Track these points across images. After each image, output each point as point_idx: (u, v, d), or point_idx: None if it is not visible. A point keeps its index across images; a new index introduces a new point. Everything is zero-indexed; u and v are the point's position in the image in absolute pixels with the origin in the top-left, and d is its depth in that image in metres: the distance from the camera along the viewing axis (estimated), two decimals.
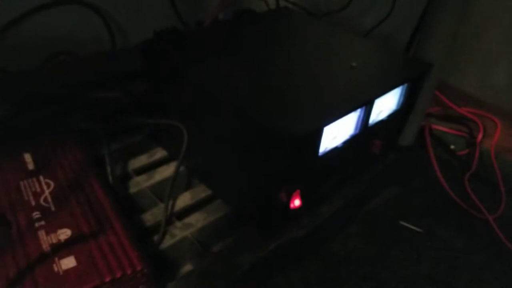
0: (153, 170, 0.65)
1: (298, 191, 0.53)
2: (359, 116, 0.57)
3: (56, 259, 0.40)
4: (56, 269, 0.39)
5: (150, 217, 0.57)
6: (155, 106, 0.68)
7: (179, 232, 0.56)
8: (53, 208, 0.46)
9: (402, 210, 0.72)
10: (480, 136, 0.87)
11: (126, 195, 0.59)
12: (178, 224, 0.57)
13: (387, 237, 0.67)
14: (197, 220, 0.58)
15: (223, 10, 0.71)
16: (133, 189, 0.61)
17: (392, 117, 0.64)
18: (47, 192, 0.48)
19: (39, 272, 0.39)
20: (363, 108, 0.56)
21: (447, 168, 0.79)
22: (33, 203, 0.46)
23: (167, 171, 0.65)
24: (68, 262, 0.40)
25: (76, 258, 0.41)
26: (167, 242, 0.54)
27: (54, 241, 0.42)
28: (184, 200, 0.61)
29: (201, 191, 0.62)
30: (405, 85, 0.62)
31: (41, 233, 0.42)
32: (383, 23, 0.89)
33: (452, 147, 0.88)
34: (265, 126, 0.48)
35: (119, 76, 0.80)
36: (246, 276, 0.54)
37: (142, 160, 0.67)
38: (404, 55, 0.67)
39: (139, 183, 0.62)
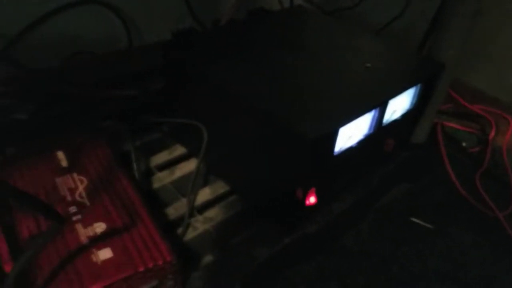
0: (173, 166, 0.68)
1: (313, 189, 0.56)
2: (373, 116, 0.59)
3: (94, 250, 0.44)
4: (94, 259, 0.43)
5: (173, 211, 0.61)
6: (173, 104, 0.71)
7: (200, 225, 0.59)
8: (87, 203, 0.49)
9: (413, 206, 0.74)
10: (492, 134, 0.89)
11: (150, 190, 0.63)
12: (199, 218, 0.60)
13: (398, 233, 0.70)
14: (216, 214, 0.61)
15: (237, 9, 0.73)
16: (156, 185, 0.65)
17: (405, 116, 0.66)
18: (81, 188, 0.51)
19: (79, 262, 0.42)
20: (377, 108, 0.58)
21: (458, 165, 0.81)
22: (69, 198, 0.50)
23: (187, 167, 0.69)
24: (105, 253, 0.44)
25: (112, 249, 0.44)
26: (190, 234, 0.58)
27: (91, 234, 0.45)
28: (204, 195, 0.64)
29: (220, 187, 0.66)
30: (419, 85, 0.64)
31: (79, 227, 0.46)
32: (397, 19, 0.91)
33: (464, 144, 0.89)
34: (284, 127, 0.51)
35: (136, 74, 0.83)
36: (263, 268, 0.58)
37: (163, 156, 0.70)
38: (417, 55, 0.69)
39: (162, 179, 0.66)
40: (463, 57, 0.69)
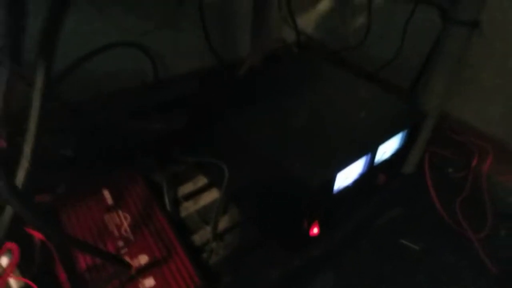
0: (197, 196, 0.80)
1: (316, 221, 0.67)
2: (366, 160, 0.70)
3: (141, 279, 0.55)
4: (141, 287, 0.55)
5: (198, 238, 0.72)
6: (199, 139, 0.83)
7: (222, 250, 0.71)
8: (132, 238, 0.61)
9: (403, 229, 0.86)
10: (474, 162, 1.00)
11: (178, 218, 0.75)
12: (221, 243, 0.72)
13: (389, 253, 0.82)
14: (234, 239, 0.73)
15: (255, 58, 0.84)
16: (183, 213, 0.76)
17: (394, 155, 0.78)
18: (125, 224, 0.63)
19: None
20: (369, 153, 0.69)
21: (444, 191, 0.92)
22: (116, 234, 0.61)
23: (209, 196, 0.80)
24: (149, 282, 0.55)
25: (154, 278, 0.56)
26: (214, 259, 0.69)
27: (137, 265, 0.57)
28: (224, 223, 0.75)
29: (237, 214, 0.77)
30: (405, 130, 0.75)
31: (127, 259, 0.58)
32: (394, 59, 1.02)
33: (450, 170, 1.01)
34: (291, 175, 0.62)
35: (162, 106, 0.94)
36: (274, 285, 0.70)
37: (188, 187, 0.81)
38: (404, 104, 0.79)
39: (187, 208, 0.77)
40: (450, 91, 0.80)
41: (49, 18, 0.31)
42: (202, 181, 0.83)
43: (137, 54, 0.97)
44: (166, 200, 0.73)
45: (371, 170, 0.73)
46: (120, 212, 0.65)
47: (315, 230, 0.68)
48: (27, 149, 0.31)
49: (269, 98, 0.76)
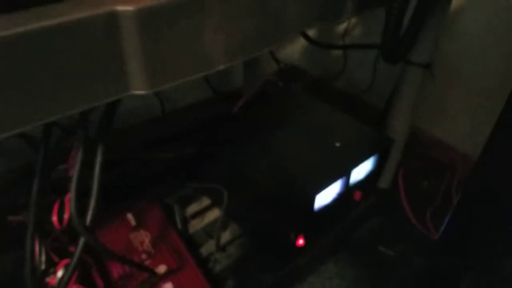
0: (202, 215, 0.95)
1: (301, 235, 0.82)
2: (342, 181, 0.85)
3: (161, 284, 0.70)
4: None
5: (204, 250, 0.87)
6: (203, 167, 0.98)
7: (224, 260, 0.85)
8: (152, 251, 0.76)
9: (380, 237, 1.00)
10: (446, 175, 1.14)
11: (188, 234, 0.89)
12: (223, 254, 0.87)
13: (368, 258, 0.96)
14: (235, 251, 0.88)
15: (247, 97, 1.00)
16: (191, 230, 0.91)
17: (368, 175, 0.92)
18: (147, 240, 0.78)
19: None
20: (344, 176, 0.84)
21: (417, 202, 1.06)
22: (140, 249, 0.76)
23: (212, 215, 0.95)
24: (168, 286, 0.70)
25: (172, 283, 0.71)
26: (217, 267, 0.84)
27: (158, 273, 0.72)
28: (225, 236, 0.90)
29: (236, 229, 0.92)
30: (375, 155, 0.90)
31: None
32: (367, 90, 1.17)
33: (425, 183, 1.15)
34: (278, 197, 0.77)
35: (170, 137, 1.10)
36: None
37: (194, 207, 0.96)
38: (374, 132, 0.94)
39: (194, 225, 0.92)
40: (422, 109, 0.93)
41: (104, 113, 0.46)
42: (205, 202, 0.98)
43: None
44: (177, 219, 0.88)
45: (348, 189, 0.88)
46: (142, 231, 0.80)
47: (301, 242, 0.83)
48: (93, 200, 0.46)
49: (258, 132, 0.91)
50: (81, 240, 0.48)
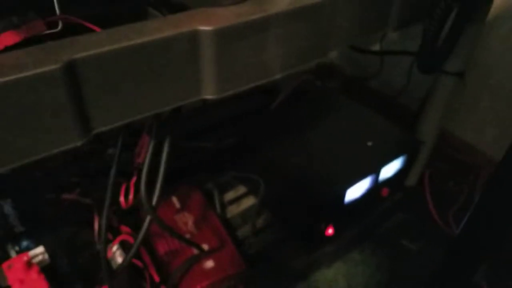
0: (239, 201, 1.02)
1: (331, 225, 0.89)
2: (371, 178, 0.91)
3: (204, 261, 0.78)
4: (204, 267, 0.78)
5: (239, 234, 0.95)
6: (241, 158, 1.05)
7: (258, 244, 0.93)
8: (195, 231, 0.84)
9: (404, 231, 1.06)
10: (471, 177, 1.18)
11: (226, 219, 0.97)
12: (257, 239, 0.94)
13: (391, 250, 1.02)
14: (268, 236, 0.95)
15: (286, 94, 1.06)
16: (228, 215, 0.99)
17: (396, 174, 0.98)
18: (190, 222, 0.86)
19: (196, 268, 0.77)
20: (374, 174, 0.90)
21: (441, 202, 1.11)
22: (184, 229, 0.84)
23: (248, 202, 1.02)
24: (210, 263, 0.78)
25: (213, 261, 0.79)
26: (252, 250, 0.92)
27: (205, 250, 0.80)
28: (259, 223, 0.98)
29: (269, 217, 0.99)
30: (404, 155, 0.95)
31: (194, 249, 0.81)
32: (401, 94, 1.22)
33: (450, 183, 1.20)
34: (312, 189, 0.84)
35: (211, 127, 1.17)
36: (297, 272, 0.91)
37: (231, 194, 1.04)
38: (405, 133, 0.99)
39: (232, 211, 1.00)
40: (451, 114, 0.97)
41: (173, 111, 0.54)
42: (241, 189, 1.05)
43: None
44: (217, 204, 0.96)
45: (376, 185, 0.94)
46: (186, 213, 0.88)
47: (330, 231, 0.90)
48: (159, 184, 0.54)
49: (295, 127, 0.98)
50: (148, 218, 0.56)
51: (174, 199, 0.91)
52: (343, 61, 1.44)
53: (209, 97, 0.47)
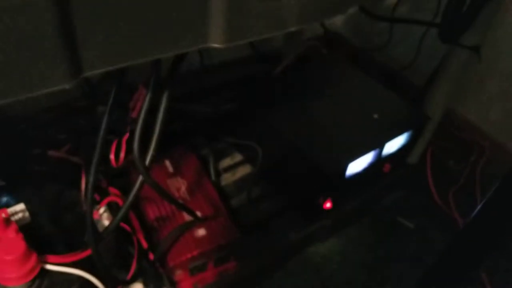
0: (235, 169, 0.98)
1: (329, 198, 0.85)
2: (375, 153, 0.87)
3: (195, 229, 0.75)
4: (196, 235, 0.74)
5: (234, 202, 0.91)
6: (239, 124, 1.00)
7: (253, 214, 0.90)
8: (188, 198, 0.80)
9: (401, 209, 1.03)
10: (472, 157, 1.15)
11: (220, 187, 0.93)
12: (252, 208, 0.91)
13: (388, 228, 1.00)
14: (264, 206, 0.92)
15: (290, 59, 1.01)
16: (223, 182, 0.95)
17: (399, 149, 0.94)
18: (183, 187, 0.82)
19: (188, 236, 0.74)
20: (378, 148, 0.86)
21: (441, 180, 1.09)
22: (176, 194, 0.80)
23: (244, 170, 0.98)
24: (202, 231, 0.74)
25: (205, 229, 0.75)
26: (246, 220, 0.88)
27: (193, 219, 0.76)
28: (255, 192, 0.94)
29: (266, 187, 0.95)
30: (410, 131, 0.91)
31: (185, 214, 0.77)
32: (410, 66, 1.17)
33: (451, 162, 1.17)
34: (312, 161, 0.80)
35: (209, 92, 1.12)
36: (292, 245, 0.89)
37: (227, 162, 1.00)
38: (412, 108, 0.95)
39: (227, 178, 0.96)
40: (457, 94, 0.93)
41: (173, 62, 0.48)
42: (238, 157, 1.01)
43: None
44: (212, 171, 0.92)
45: (379, 161, 0.90)
46: (179, 178, 0.84)
47: (328, 205, 0.86)
48: (154, 142, 0.50)
49: (298, 95, 0.93)
50: (140, 179, 0.51)
51: (168, 163, 0.86)
52: (350, 31, 1.37)
53: (216, 45, 0.42)
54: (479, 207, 0.61)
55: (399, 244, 0.98)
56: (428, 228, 1.01)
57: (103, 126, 0.49)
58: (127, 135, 0.57)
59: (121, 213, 0.54)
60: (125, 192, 0.79)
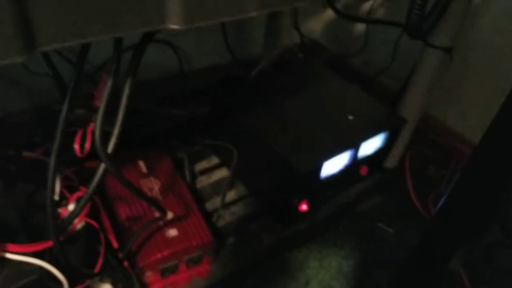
0: (211, 172, 0.97)
1: (305, 200, 0.84)
2: (350, 154, 0.87)
3: (167, 229, 0.73)
4: (167, 235, 0.72)
5: (209, 205, 0.89)
6: (215, 126, 1.00)
7: (228, 217, 0.88)
8: (161, 198, 0.78)
9: (380, 214, 1.02)
10: (451, 162, 1.15)
11: (195, 189, 0.92)
12: (227, 211, 0.89)
13: (366, 232, 0.98)
14: (239, 210, 0.90)
15: (267, 64, 1.01)
16: (198, 185, 0.93)
17: (376, 152, 0.94)
18: (156, 188, 0.80)
19: (158, 236, 0.72)
20: (353, 149, 0.86)
21: (421, 186, 1.08)
22: (149, 194, 0.79)
23: (220, 173, 0.97)
24: (173, 232, 0.73)
25: (177, 230, 0.73)
26: (220, 223, 0.87)
27: (167, 215, 0.74)
28: (230, 195, 0.92)
29: (242, 190, 0.94)
30: (386, 132, 0.91)
31: (157, 214, 0.75)
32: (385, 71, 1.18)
33: (431, 168, 1.17)
34: (287, 162, 0.79)
35: (186, 96, 1.11)
36: (267, 249, 0.87)
37: (203, 164, 0.98)
38: (387, 110, 0.95)
39: (202, 181, 0.94)
40: (433, 98, 0.94)
41: (136, 48, 0.48)
42: (214, 160, 1.00)
43: (166, 51, 1.13)
44: (186, 173, 0.90)
45: (355, 162, 0.89)
46: (152, 179, 0.82)
47: (304, 207, 0.85)
48: (116, 129, 0.49)
49: (274, 98, 0.93)
50: (101, 166, 0.50)
51: (141, 163, 0.85)
52: (327, 38, 1.39)
53: (174, 27, 0.41)
54: (442, 200, 0.61)
55: (378, 250, 0.96)
56: (407, 234, 1.00)
57: (65, 109, 0.48)
58: (92, 125, 0.55)
59: (82, 202, 0.52)
60: (100, 193, 0.78)
